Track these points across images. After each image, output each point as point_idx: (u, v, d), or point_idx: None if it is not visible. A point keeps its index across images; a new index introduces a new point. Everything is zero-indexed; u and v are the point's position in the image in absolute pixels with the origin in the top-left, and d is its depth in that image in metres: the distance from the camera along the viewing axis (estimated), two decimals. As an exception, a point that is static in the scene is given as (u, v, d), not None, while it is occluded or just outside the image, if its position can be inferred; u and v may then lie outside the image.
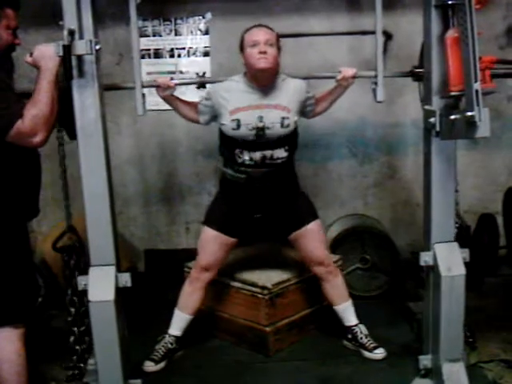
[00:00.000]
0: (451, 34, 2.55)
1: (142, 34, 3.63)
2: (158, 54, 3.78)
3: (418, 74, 3.06)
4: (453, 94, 2.55)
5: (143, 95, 2.94)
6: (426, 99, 2.84)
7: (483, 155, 4.68)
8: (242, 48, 3.26)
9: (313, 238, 3.41)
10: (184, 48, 3.83)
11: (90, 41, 2.55)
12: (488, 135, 2.34)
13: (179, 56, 3.98)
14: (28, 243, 2.76)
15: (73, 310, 3.20)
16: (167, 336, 3.41)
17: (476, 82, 2.29)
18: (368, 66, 4.51)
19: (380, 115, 4.62)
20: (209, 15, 3.49)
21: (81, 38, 2.54)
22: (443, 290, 2.80)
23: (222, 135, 3.30)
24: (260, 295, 3.45)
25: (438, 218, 2.86)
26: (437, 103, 2.72)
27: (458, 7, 2.46)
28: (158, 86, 3.17)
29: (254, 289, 3.49)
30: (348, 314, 3.46)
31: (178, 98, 3.33)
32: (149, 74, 4.07)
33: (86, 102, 2.62)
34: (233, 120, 3.19)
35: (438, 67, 2.69)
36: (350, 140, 4.71)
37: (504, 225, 4.22)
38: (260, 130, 3.18)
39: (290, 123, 3.24)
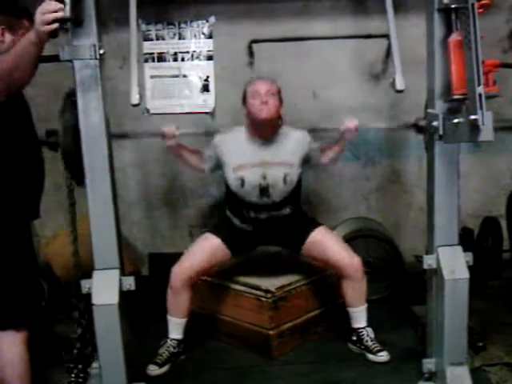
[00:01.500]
0: (454, 37, 2.55)
1: (146, 38, 3.63)
2: (161, 58, 3.77)
3: (422, 127, 3.07)
4: (456, 97, 2.55)
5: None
6: (429, 103, 2.84)
7: (486, 158, 4.68)
8: (244, 100, 3.36)
9: (324, 242, 3.45)
10: (188, 52, 3.82)
11: (94, 45, 2.55)
12: (491, 139, 2.34)
13: (183, 60, 3.97)
14: (31, 246, 2.76)
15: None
16: (168, 340, 3.42)
17: (479, 85, 2.29)
18: (372, 70, 4.56)
19: (383, 118, 4.62)
20: (212, 19, 3.49)
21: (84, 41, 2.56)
22: (447, 293, 2.80)
23: (228, 188, 3.43)
24: (263, 299, 3.45)
25: (441, 222, 2.86)
26: (440, 107, 2.72)
27: (461, 11, 2.46)
28: (163, 135, 3.25)
29: (257, 292, 3.49)
30: (360, 316, 3.46)
31: (184, 148, 3.42)
32: (152, 77, 4.08)
33: (89, 105, 2.62)
34: (237, 178, 3.32)
35: (441, 71, 2.69)
36: (353, 143, 4.70)
37: (507, 228, 4.21)
38: (264, 189, 3.32)
39: (293, 179, 3.37)
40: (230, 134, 3.43)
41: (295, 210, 3.50)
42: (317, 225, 3.53)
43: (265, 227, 3.46)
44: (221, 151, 3.40)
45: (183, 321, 3.41)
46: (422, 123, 2.96)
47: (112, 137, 2.78)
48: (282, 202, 3.41)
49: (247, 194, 3.37)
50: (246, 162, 3.34)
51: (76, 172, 2.82)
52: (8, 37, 2.59)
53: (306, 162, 3.48)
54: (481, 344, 3.35)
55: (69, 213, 3.32)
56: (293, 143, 3.40)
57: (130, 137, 3.86)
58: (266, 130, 3.34)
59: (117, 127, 3.29)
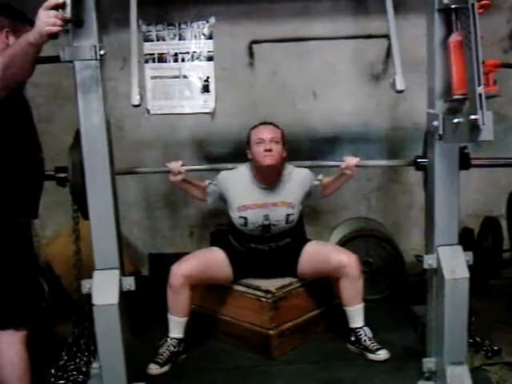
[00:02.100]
0: (454, 37, 2.55)
1: (146, 39, 3.63)
2: (161, 59, 3.77)
3: (421, 164, 3.13)
4: (456, 97, 2.55)
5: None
6: (429, 103, 2.84)
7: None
8: (248, 144, 3.46)
9: (321, 250, 3.56)
10: (188, 52, 3.82)
11: (95, 46, 2.56)
12: (491, 139, 2.34)
13: (183, 60, 3.97)
14: (32, 246, 2.77)
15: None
16: (169, 339, 3.42)
17: (479, 85, 2.29)
18: (372, 70, 4.56)
19: (383, 119, 4.63)
20: (213, 20, 3.49)
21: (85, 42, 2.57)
22: (447, 292, 2.80)
23: (231, 220, 3.53)
24: (263, 299, 3.45)
25: (441, 221, 2.86)
26: (440, 107, 2.72)
27: (461, 11, 2.46)
28: (169, 172, 3.36)
29: (257, 292, 3.50)
30: (357, 315, 3.46)
31: (188, 182, 3.52)
32: (153, 78, 4.08)
33: (90, 107, 2.63)
34: (240, 217, 3.43)
35: (441, 71, 2.70)
36: (354, 143, 4.72)
37: (508, 228, 4.21)
38: (266, 227, 3.43)
39: (295, 218, 3.48)
40: (234, 173, 3.51)
41: (295, 240, 3.58)
42: (306, 240, 3.65)
43: (264, 256, 3.57)
44: (225, 189, 3.50)
45: (184, 320, 3.42)
46: (422, 161, 3.03)
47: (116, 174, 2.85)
48: (282, 235, 3.52)
49: (249, 231, 3.48)
50: (249, 203, 3.44)
51: (83, 206, 2.85)
52: (12, 40, 2.59)
53: (307, 197, 3.57)
54: (496, 348, 3.37)
55: (73, 242, 3.46)
56: (296, 184, 3.50)
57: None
58: (269, 175, 3.46)
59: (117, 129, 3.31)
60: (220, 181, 3.52)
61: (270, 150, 3.33)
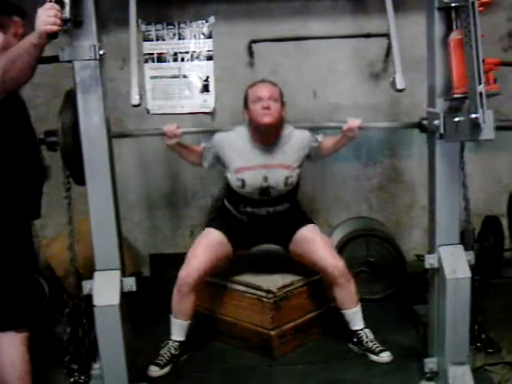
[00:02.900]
0: (454, 36, 2.55)
1: (146, 39, 3.62)
2: (161, 58, 3.76)
3: (425, 126, 3.03)
4: (456, 96, 2.55)
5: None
6: (429, 102, 2.84)
7: (487, 157, 4.67)
8: (246, 104, 3.36)
9: (311, 241, 3.44)
10: (187, 52, 3.81)
11: (94, 46, 2.56)
12: (492, 137, 2.34)
13: (182, 60, 3.97)
14: (32, 247, 2.76)
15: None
16: (170, 342, 3.41)
17: (480, 84, 2.29)
18: (372, 69, 4.56)
19: (383, 117, 4.62)
20: (212, 19, 3.49)
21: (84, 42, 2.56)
22: (448, 292, 2.80)
23: (227, 183, 3.45)
24: (265, 299, 3.45)
25: (442, 221, 2.86)
26: (440, 105, 2.72)
27: (462, 9, 2.47)
28: (164, 134, 3.24)
29: (258, 292, 3.49)
30: (355, 318, 3.45)
31: (183, 146, 3.40)
32: (152, 78, 4.07)
33: (90, 106, 2.63)
34: (238, 179, 3.33)
35: (442, 69, 2.69)
36: (354, 143, 4.69)
37: (509, 227, 4.21)
38: (264, 190, 3.34)
39: (294, 180, 3.40)
40: (231, 134, 3.41)
41: (292, 205, 3.51)
42: (306, 222, 3.54)
43: (261, 221, 3.48)
44: (222, 150, 3.39)
45: (187, 323, 3.40)
46: (426, 122, 2.97)
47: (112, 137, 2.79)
48: (280, 199, 3.43)
49: (247, 194, 3.39)
50: (247, 164, 3.34)
51: (75, 171, 2.81)
52: (0, 36, 2.57)
53: (307, 158, 3.49)
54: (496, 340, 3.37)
55: (67, 207, 3.21)
56: (295, 146, 3.39)
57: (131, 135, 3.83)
58: (268, 135, 3.34)
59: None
60: (216, 142, 3.41)
61: (268, 108, 3.22)
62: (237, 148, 3.37)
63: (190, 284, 3.34)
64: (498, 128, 2.39)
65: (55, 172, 3.06)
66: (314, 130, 3.50)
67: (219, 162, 3.45)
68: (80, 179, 2.77)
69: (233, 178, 3.37)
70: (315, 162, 3.62)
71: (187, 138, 3.51)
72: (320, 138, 3.47)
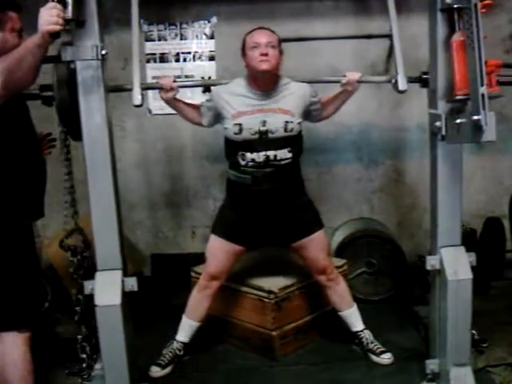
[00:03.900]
0: (457, 37, 2.55)
1: (148, 39, 3.65)
2: (163, 59, 3.78)
3: (427, 80, 3.02)
4: (458, 97, 2.55)
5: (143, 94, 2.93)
6: (431, 103, 2.84)
7: (489, 159, 4.67)
8: (243, 51, 3.24)
9: (316, 248, 3.39)
10: (189, 52, 3.83)
11: (96, 46, 2.56)
12: (494, 139, 2.33)
13: (185, 60, 3.98)
14: (34, 247, 2.76)
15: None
16: (175, 342, 3.40)
17: (482, 85, 2.29)
18: (374, 70, 4.56)
19: (385, 119, 4.62)
20: (214, 19, 3.50)
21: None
22: (450, 294, 2.79)
23: (226, 138, 3.28)
24: (266, 299, 3.45)
25: (444, 222, 2.86)
26: (442, 107, 2.72)
27: (464, 11, 2.46)
28: (161, 88, 3.15)
29: (260, 293, 3.49)
30: (353, 319, 3.45)
31: (181, 101, 3.30)
32: (154, 78, 4.08)
33: (92, 106, 2.63)
34: (235, 124, 3.16)
35: (444, 71, 2.69)
36: (356, 144, 4.71)
37: (510, 228, 4.21)
38: (263, 134, 3.15)
39: (294, 127, 3.20)
40: (229, 85, 3.31)
41: (295, 161, 3.31)
42: (319, 226, 3.45)
43: (264, 178, 3.23)
44: (220, 102, 3.26)
45: (197, 325, 3.41)
46: (427, 76, 2.95)
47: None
48: (280, 142, 3.22)
49: (245, 138, 3.20)
50: (245, 109, 3.20)
51: (71, 126, 2.78)
52: None
53: (307, 114, 3.36)
54: (484, 345, 3.36)
55: (64, 167, 3.18)
56: (294, 94, 3.27)
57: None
58: (266, 82, 3.22)
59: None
60: (214, 95, 3.29)
61: (265, 55, 3.11)
62: (235, 95, 3.24)
63: (212, 287, 3.36)
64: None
65: (55, 173, 3.06)
66: (312, 84, 3.37)
67: (219, 116, 3.30)
68: (76, 135, 2.73)
69: (230, 126, 3.19)
70: (317, 121, 3.52)
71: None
72: (319, 97, 3.40)
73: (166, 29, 3.98)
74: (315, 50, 4.52)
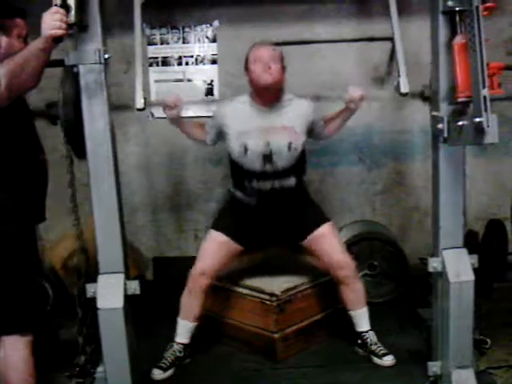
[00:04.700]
0: (459, 40, 2.55)
1: (150, 42, 3.65)
2: (165, 62, 3.79)
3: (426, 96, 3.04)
4: (460, 100, 2.55)
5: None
6: (433, 105, 2.84)
7: (491, 161, 4.67)
8: (246, 67, 3.28)
9: (328, 242, 3.39)
10: (192, 56, 3.84)
11: (99, 50, 2.57)
12: (496, 141, 2.33)
13: (187, 64, 3.99)
14: (36, 251, 2.76)
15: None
16: (174, 344, 3.41)
17: (484, 88, 2.29)
18: (376, 72, 4.56)
19: (388, 121, 4.63)
20: (216, 23, 3.51)
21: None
22: (452, 296, 2.79)
23: (231, 159, 3.34)
24: (268, 302, 3.44)
25: (446, 224, 2.86)
26: (444, 109, 2.72)
27: (466, 13, 2.47)
28: (165, 106, 3.18)
29: (262, 295, 3.49)
30: (362, 320, 3.45)
31: (185, 119, 3.36)
32: (156, 81, 4.09)
33: (94, 111, 2.63)
34: (240, 145, 3.22)
35: (446, 73, 2.69)
36: (358, 146, 4.72)
37: (513, 230, 4.22)
38: (267, 156, 3.22)
39: (298, 146, 3.26)
40: (232, 102, 3.35)
41: (299, 183, 3.38)
42: (325, 219, 3.46)
43: (269, 200, 3.33)
44: (223, 120, 3.30)
45: (193, 325, 3.41)
46: (428, 92, 2.96)
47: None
48: (285, 171, 3.29)
49: (250, 163, 3.26)
50: (248, 128, 3.24)
51: (76, 145, 2.79)
52: (3, 39, 2.55)
53: (310, 132, 3.38)
54: (487, 347, 3.36)
55: (69, 187, 3.16)
56: (297, 110, 3.30)
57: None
58: (269, 97, 3.26)
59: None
60: (217, 111, 3.36)
61: (268, 69, 3.16)
62: (238, 112, 3.28)
63: (201, 285, 3.35)
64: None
65: (58, 176, 3.06)
66: (314, 101, 3.45)
67: (222, 134, 3.34)
68: (81, 153, 2.75)
69: (235, 145, 3.25)
70: (320, 139, 3.55)
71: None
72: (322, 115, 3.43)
73: (168, 32, 3.99)
74: (317, 53, 4.53)
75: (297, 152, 3.26)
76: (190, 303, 3.38)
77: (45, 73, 2.47)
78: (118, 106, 3.49)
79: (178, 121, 3.31)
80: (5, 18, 2.59)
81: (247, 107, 3.27)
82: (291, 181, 3.31)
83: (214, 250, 3.40)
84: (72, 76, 2.67)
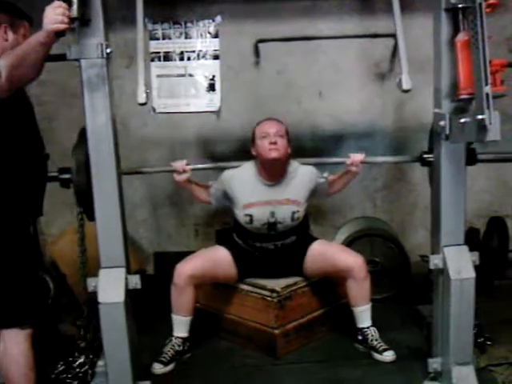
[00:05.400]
0: (461, 37, 2.54)
1: (152, 37, 3.63)
2: (167, 57, 3.77)
3: (427, 160, 3.14)
4: (463, 97, 2.55)
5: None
6: (435, 102, 2.84)
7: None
8: (253, 141, 3.43)
9: (328, 250, 3.52)
10: (194, 51, 3.81)
11: (101, 44, 2.57)
12: (498, 138, 2.33)
13: (189, 59, 3.97)
14: (37, 244, 2.76)
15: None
16: (173, 338, 3.42)
17: (486, 85, 2.29)
18: (378, 69, 4.56)
19: (389, 118, 4.62)
20: (219, 18, 3.49)
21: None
22: (453, 293, 2.79)
23: (236, 219, 3.51)
24: (269, 298, 3.45)
25: (447, 221, 2.86)
26: (446, 106, 2.72)
27: (469, 10, 2.46)
28: (174, 171, 3.33)
29: (263, 291, 3.49)
30: (365, 316, 3.46)
31: (193, 182, 3.51)
32: (158, 76, 4.08)
33: (96, 105, 2.63)
34: (246, 215, 3.41)
35: (448, 70, 2.69)
36: (359, 143, 4.71)
37: (514, 228, 4.21)
38: (272, 225, 3.41)
39: (301, 215, 3.46)
40: (238, 170, 3.48)
41: (300, 237, 3.56)
42: (313, 239, 3.63)
43: (270, 254, 3.54)
44: (229, 187, 3.47)
45: (188, 319, 3.42)
46: (428, 157, 3.02)
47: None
48: (287, 233, 3.50)
49: (255, 229, 3.46)
50: (255, 200, 3.42)
51: (88, 208, 2.86)
52: (10, 35, 2.60)
53: (314, 193, 3.55)
54: (489, 343, 3.37)
55: (78, 245, 3.35)
56: (301, 181, 3.48)
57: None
58: (275, 171, 3.42)
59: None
60: (223, 179, 3.49)
61: (275, 143, 3.30)
62: (244, 184, 3.45)
63: (185, 278, 3.37)
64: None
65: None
66: (317, 165, 3.54)
67: (227, 198, 3.52)
68: (92, 215, 2.81)
69: (241, 214, 3.45)
70: (322, 199, 3.69)
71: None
72: (326, 174, 3.56)
73: (170, 28, 3.97)
74: (319, 49, 4.52)
75: (299, 220, 3.48)
76: (179, 298, 3.41)
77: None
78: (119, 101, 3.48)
79: (186, 184, 3.46)
80: (16, 17, 2.66)
81: (253, 180, 3.44)
82: (292, 239, 3.52)
83: (209, 255, 3.53)
84: (85, 142, 2.71)
